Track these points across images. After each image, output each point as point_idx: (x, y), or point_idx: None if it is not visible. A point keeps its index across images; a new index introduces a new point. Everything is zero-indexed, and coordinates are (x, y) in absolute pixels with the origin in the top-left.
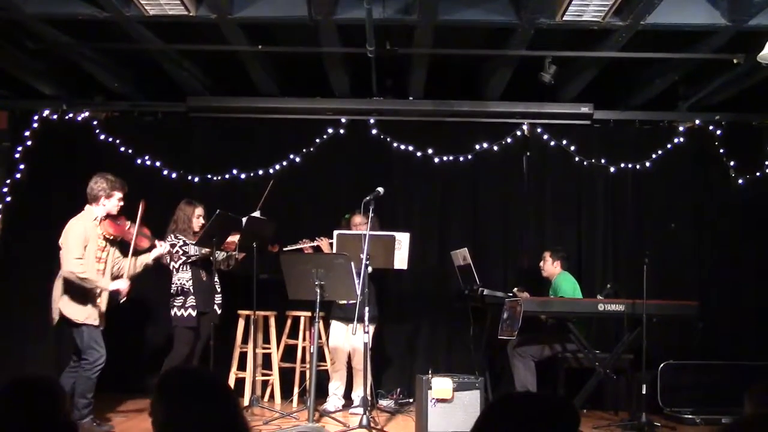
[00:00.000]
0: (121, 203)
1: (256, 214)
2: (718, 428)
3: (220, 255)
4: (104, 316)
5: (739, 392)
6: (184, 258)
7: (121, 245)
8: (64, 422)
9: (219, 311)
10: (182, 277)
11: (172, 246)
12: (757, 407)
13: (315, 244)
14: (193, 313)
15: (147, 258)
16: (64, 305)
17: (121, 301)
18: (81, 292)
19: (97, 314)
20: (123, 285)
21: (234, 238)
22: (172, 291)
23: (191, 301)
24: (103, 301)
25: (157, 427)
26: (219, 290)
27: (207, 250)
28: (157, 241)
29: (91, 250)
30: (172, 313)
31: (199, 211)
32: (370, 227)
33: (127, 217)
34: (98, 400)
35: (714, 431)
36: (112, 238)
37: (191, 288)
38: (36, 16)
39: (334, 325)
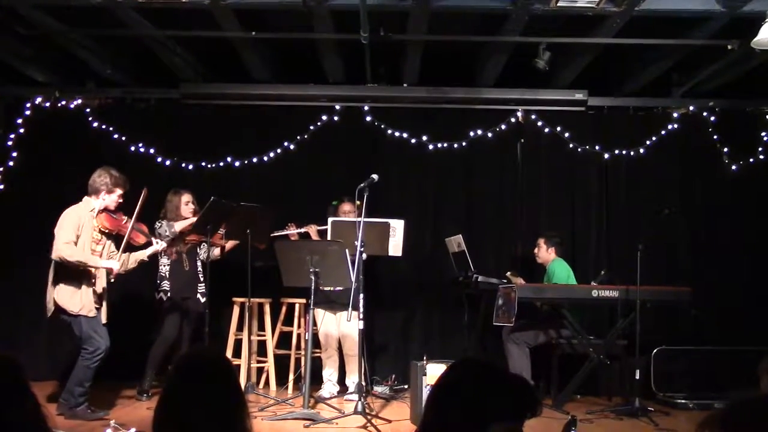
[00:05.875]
0: (121, 201)
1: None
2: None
3: (202, 253)
4: (105, 308)
5: (732, 377)
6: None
7: (118, 241)
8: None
9: (203, 300)
10: (163, 263)
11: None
12: None
13: (303, 230)
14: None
15: (142, 254)
16: (58, 295)
17: (111, 280)
18: (75, 281)
19: (93, 305)
20: (115, 265)
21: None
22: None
23: (165, 285)
24: (99, 290)
25: (167, 410)
26: (202, 279)
27: (177, 229)
28: (153, 239)
29: (86, 240)
30: (157, 297)
31: (186, 197)
32: (356, 215)
33: (125, 212)
34: (93, 387)
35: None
36: (107, 231)
37: (167, 274)
38: (28, 2)
39: (321, 312)
